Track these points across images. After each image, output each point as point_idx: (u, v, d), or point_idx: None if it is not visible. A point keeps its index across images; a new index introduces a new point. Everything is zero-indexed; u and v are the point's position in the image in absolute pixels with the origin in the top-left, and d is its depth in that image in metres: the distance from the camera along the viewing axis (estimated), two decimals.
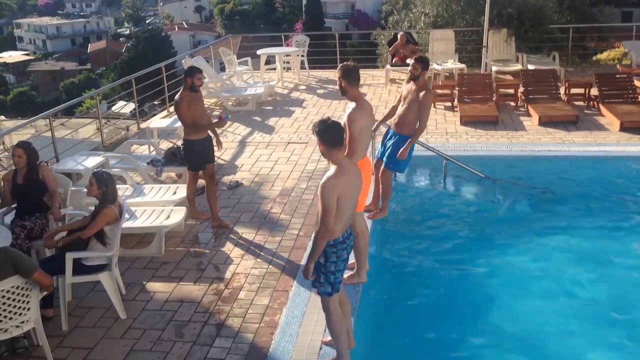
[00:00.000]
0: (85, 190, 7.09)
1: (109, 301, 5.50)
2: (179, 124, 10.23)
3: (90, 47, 67.73)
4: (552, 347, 5.29)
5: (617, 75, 11.85)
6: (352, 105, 5.56)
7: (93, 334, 5.30)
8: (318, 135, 4.36)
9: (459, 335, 5.49)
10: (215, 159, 7.56)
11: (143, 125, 11.81)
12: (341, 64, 5.64)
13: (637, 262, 6.63)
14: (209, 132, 7.28)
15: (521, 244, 7.01)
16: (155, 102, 15.69)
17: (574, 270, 6.41)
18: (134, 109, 12.59)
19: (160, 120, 11.27)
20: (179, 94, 7.08)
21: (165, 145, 9.88)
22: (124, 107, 21.83)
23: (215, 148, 7.36)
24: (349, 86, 5.54)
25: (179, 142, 9.88)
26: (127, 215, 6.71)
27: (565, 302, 5.91)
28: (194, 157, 7.11)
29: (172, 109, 12.70)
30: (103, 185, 5.37)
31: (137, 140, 10.56)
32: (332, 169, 4.31)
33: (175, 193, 7.55)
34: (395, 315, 5.81)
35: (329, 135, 4.33)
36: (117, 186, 7.73)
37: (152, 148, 9.68)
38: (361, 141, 5.52)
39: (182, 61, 13.06)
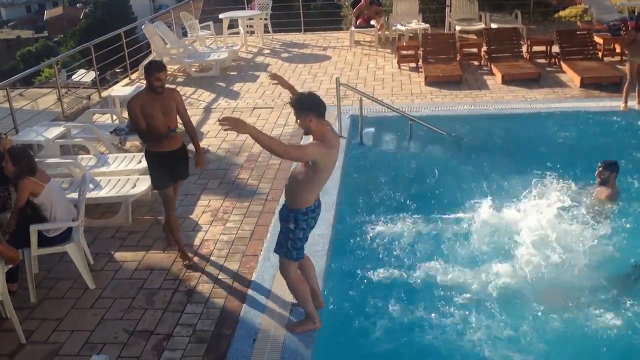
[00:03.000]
0: (48, 161, 7.02)
1: (77, 272, 5.48)
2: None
3: (47, 14, 65.41)
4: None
5: (578, 32, 11.98)
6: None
7: (62, 304, 5.29)
8: (312, 106, 4.25)
9: (428, 291, 5.60)
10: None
11: (104, 93, 11.56)
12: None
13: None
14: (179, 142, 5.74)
15: (487, 201, 7.13)
16: (117, 70, 15.34)
17: (544, 224, 6.54)
18: (95, 77, 12.29)
19: (121, 88, 11.05)
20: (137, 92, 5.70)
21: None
22: (85, 75, 21.27)
23: (195, 166, 6.00)
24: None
25: None
26: (91, 186, 6.65)
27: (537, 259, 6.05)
28: (154, 171, 5.79)
29: (134, 76, 12.51)
30: (18, 160, 5.23)
31: (99, 109, 10.35)
32: (319, 142, 4.24)
33: (140, 162, 7.45)
34: (364, 274, 5.89)
35: (321, 105, 4.31)
36: (80, 156, 7.69)
37: (114, 117, 9.52)
38: None
39: (142, 27, 12.76)
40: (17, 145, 5.73)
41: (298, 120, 4.34)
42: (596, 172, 6.76)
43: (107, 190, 6.72)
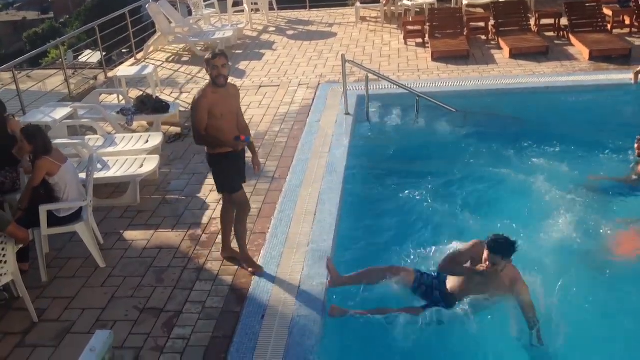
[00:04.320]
0: (56, 141, 7.04)
1: (87, 251, 5.53)
2: (147, 71, 10.11)
3: None
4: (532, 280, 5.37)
5: (587, 4, 11.80)
6: None
7: (73, 283, 5.35)
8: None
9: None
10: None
11: (111, 74, 11.56)
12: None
13: (609, 185, 6.79)
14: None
15: (496, 173, 7.11)
16: (123, 50, 15.32)
17: (552, 195, 6.52)
18: (101, 58, 12.28)
19: (127, 69, 11.03)
20: (200, 89, 5.01)
21: (134, 93, 9.72)
22: (92, 56, 21.26)
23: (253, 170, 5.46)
24: None
25: (149, 90, 9.77)
26: (99, 166, 6.69)
27: (543, 228, 5.99)
28: (224, 174, 5.21)
29: (139, 55, 12.47)
30: (32, 139, 5.25)
31: (106, 89, 10.36)
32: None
33: (147, 141, 7.48)
34: (374, 247, 5.90)
35: None
36: (88, 137, 7.72)
37: (121, 97, 9.52)
38: None
39: (147, 6, 12.70)
40: (31, 124, 5.74)
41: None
42: (636, 145, 6.77)
43: (115, 170, 6.75)
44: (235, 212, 5.40)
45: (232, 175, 5.21)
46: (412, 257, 5.63)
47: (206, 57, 4.95)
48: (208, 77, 5.01)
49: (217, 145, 5.05)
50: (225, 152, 5.07)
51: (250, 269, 5.36)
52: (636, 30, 11.37)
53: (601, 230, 5.98)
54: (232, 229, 5.49)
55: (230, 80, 9.35)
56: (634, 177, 6.78)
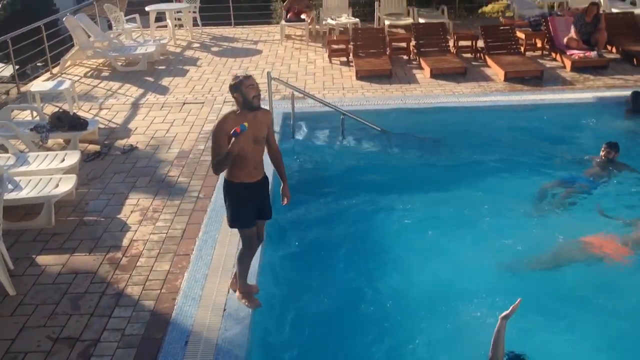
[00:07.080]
0: None
1: None
2: (63, 86, 9.71)
3: None
4: (455, 299, 5.42)
5: (501, 28, 12.35)
6: None
7: None
8: None
9: (360, 287, 5.62)
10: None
11: (24, 89, 11.02)
12: None
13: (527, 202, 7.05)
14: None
15: (418, 194, 7.23)
16: (38, 64, 14.67)
17: (472, 215, 6.67)
18: (13, 72, 11.69)
19: (42, 83, 10.55)
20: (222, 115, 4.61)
21: (50, 109, 9.30)
22: (3, 69, 20.20)
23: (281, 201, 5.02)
24: None
25: (65, 106, 9.37)
26: (10, 186, 6.32)
27: (468, 248, 6.11)
28: (239, 207, 4.73)
29: (55, 70, 11.98)
30: None
31: (18, 105, 9.84)
32: None
33: (63, 160, 7.15)
34: (298, 272, 5.86)
35: None
36: None
37: (35, 113, 9.07)
38: None
39: (64, 19, 12.23)
40: None
41: None
42: (604, 153, 7.37)
43: (27, 191, 6.40)
44: (241, 246, 4.97)
45: (244, 209, 4.70)
46: (340, 280, 5.64)
47: (233, 82, 4.61)
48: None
49: (226, 165, 4.54)
50: (246, 182, 4.66)
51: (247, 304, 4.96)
52: (547, 52, 11.99)
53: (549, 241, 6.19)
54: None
55: (154, 97, 9.06)
56: (593, 171, 7.39)
